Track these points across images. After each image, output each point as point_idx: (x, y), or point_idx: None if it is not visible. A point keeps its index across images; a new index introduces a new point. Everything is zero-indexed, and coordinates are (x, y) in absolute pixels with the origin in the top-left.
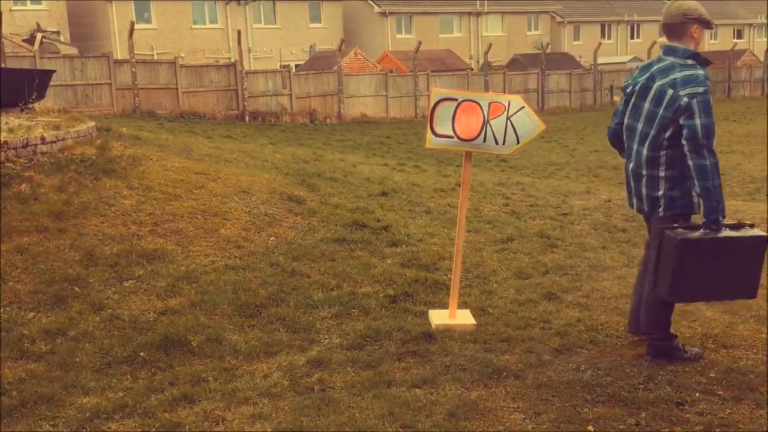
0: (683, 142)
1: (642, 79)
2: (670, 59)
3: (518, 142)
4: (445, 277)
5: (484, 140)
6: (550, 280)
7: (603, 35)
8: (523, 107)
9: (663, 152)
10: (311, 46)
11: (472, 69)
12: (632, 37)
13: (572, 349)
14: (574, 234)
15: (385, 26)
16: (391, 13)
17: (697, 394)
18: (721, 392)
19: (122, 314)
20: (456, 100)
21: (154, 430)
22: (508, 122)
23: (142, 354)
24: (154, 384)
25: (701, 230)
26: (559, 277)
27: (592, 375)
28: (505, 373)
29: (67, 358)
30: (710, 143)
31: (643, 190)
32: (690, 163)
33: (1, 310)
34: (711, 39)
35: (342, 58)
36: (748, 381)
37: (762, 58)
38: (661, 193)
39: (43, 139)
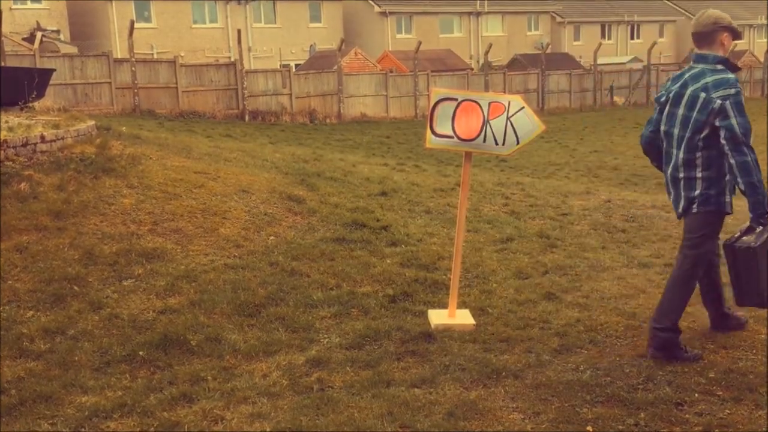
0: (722, 141)
1: (675, 88)
2: (700, 66)
3: (518, 143)
4: (444, 276)
5: (484, 140)
6: (550, 280)
7: (603, 36)
8: (523, 107)
9: (699, 153)
10: (311, 45)
11: (472, 69)
12: (632, 38)
13: (571, 349)
14: (573, 234)
15: (385, 26)
16: (391, 13)
17: (697, 395)
18: (721, 393)
19: (121, 313)
20: (456, 100)
21: (152, 429)
22: (508, 122)
23: (141, 353)
24: (153, 383)
25: (757, 228)
26: (559, 278)
27: (592, 375)
28: (504, 373)
29: (66, 356)
30: (748, 140)
31: (682, 193)
32: (732, 161)
33: (1, 308)
34: None
35: (342, 57)
36: (748, 382)
37: (762, 59)
38: (698, 192)
39: (42, 137)
